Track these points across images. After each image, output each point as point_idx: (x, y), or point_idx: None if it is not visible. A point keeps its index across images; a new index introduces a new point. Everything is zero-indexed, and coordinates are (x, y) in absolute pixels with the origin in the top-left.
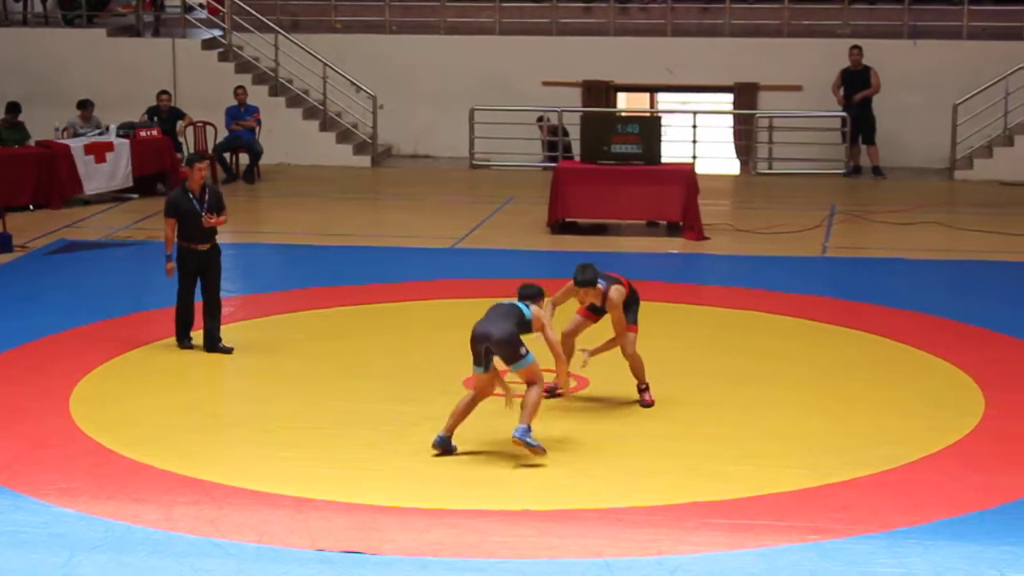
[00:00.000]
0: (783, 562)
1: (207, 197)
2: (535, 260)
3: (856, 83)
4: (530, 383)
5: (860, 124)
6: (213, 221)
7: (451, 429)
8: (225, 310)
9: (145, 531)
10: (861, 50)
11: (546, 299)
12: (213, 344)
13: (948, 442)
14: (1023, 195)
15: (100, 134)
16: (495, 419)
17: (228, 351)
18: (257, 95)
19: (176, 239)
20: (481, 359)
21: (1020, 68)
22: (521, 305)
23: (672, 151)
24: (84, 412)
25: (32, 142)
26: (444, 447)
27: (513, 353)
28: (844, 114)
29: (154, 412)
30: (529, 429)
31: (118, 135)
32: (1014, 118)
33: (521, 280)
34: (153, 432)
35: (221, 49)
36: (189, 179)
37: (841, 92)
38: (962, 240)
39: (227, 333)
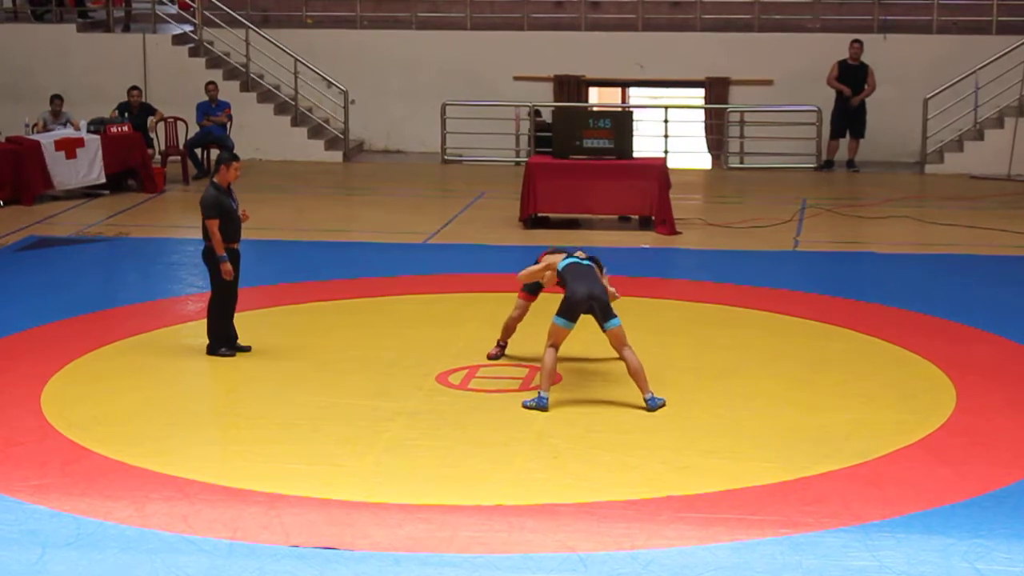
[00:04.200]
0: (756, 555)
1: (234, 195)
2: (508, 255)
3: (853, 77)
4: (621, 346)
5: (852, 118)
6: (248, 216)
7: (549, 387)
8: (196, 306)
9: (118, 528)
10: (862, 44)
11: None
12: (232, 342)
13: (920, 435)
14: (993, 189)
15: (67, 127)
16: (466, 415)
17: (247, 349)
18: (228, 90)
19: (206, 241)
20: (576, 317)
21: (990, 62)
22: (591, 263)
23: (644, 146)
24: (56, 409)
25: (2, 138)
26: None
27: (610, 312)
28: (816, 108)
29: (126, 409)
30: (651, 393)
31: (89, 131)
32: (984, 112)
33: (494, 275)
34: (125, 429)
35: (192, 44)
36: (221, 177)
37: (839, 82)
38: (933, 234)
39: (198, 329)
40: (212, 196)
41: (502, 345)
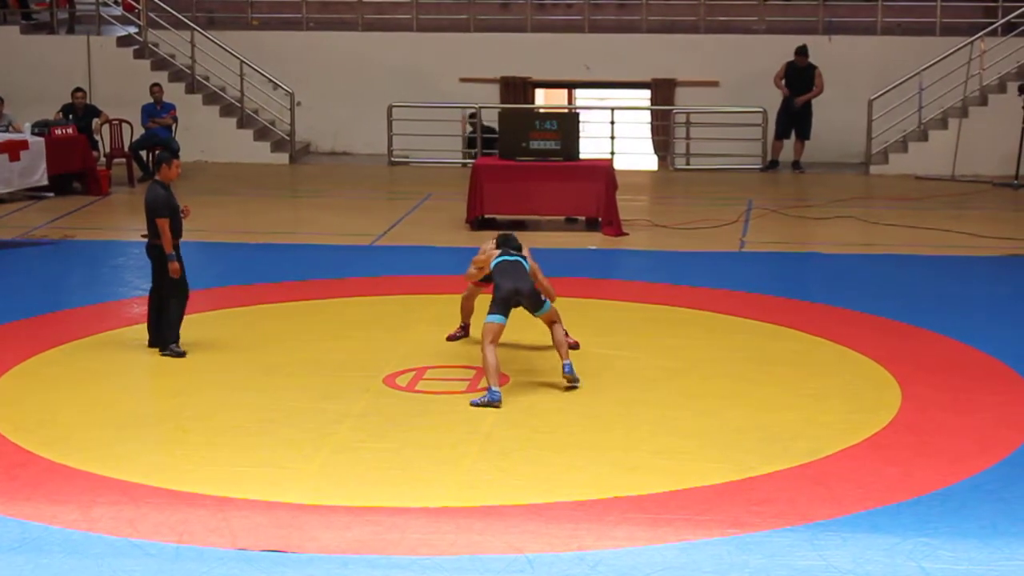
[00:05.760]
0: (704, 555)
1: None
2: (454, 256)
3: (800, 79)
4: (553, 323)
5: (798, 120)
6: (190, 211)
7: (498, 383)
8: (142, 309)
9: (63, 532)
10: (807, 54)
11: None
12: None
13: (865, 435)
14: (937, 189)
15: (8, 130)
16: (413, 417)
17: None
18: (173, 92)
19: (158, 240)
20: (507, 312)
21: (934, 63)
22: (520, 259)
23: (590, 147)
24: (1, 413)
25: None
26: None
27: (538, 302)
28: (762, 109)
29: (72, 412)
30: (570, 361)
31: (33, 133)
32: (928, 113)
33: (442, 277)
34: (71, 432)
35: (137, 46)
36: (164, 175)
37: (784, 83)
38: (878, 234)
39: (142, 332)
40: (162, 196)
41: (464, 326)
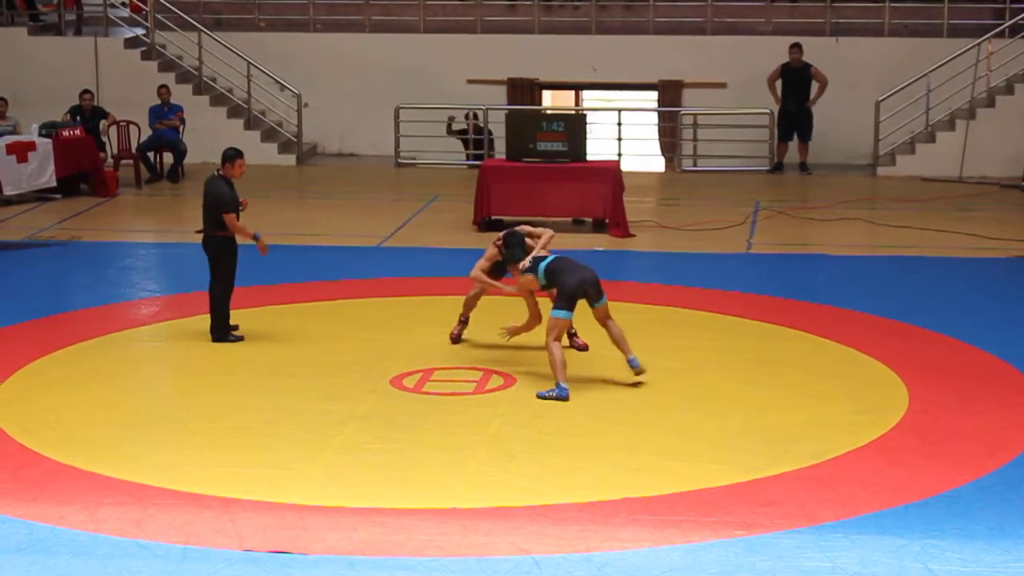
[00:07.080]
0: (710, 557)
1: None
2: (462, 258)
3: (796, 80)
4: (605, 319)
5: (798, 122)
6: (247, 203)
7: (565, 377)
8: (149, 310)
9: (70, 533)
10: (801, 49)
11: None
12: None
13: (872, 437)
14: (944, 191)
15: (12, 130)
16: (420, 418)
17: (241, 338)
18: (181, 94)
19: (217, 232)
20: (574, 305)
21: (941, 65)
22: (563, 254)
23: (597, 148)
24: (7, 414)
25: None
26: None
27: (600, 292)
28: (769, 111)
29: (78, 413)
30: (633, 355)
31: (40, 135)
32: (935, 115)
33: (448, 279)
34: (77, 433)
35: (144, 47)
36: (228, 172)
37: (779, 86)
38: (884, 235)
39: (151, 333)
40: (227, 192)
41: (463, 319)
